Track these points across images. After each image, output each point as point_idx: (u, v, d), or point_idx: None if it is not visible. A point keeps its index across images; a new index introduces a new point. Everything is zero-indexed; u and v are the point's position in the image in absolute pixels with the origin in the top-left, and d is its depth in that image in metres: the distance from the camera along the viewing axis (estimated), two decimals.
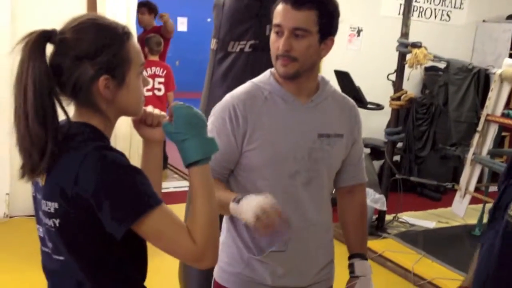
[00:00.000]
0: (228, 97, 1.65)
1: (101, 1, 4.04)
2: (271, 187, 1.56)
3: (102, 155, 1.17)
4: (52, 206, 1.20)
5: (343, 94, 1.78)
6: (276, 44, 1.56)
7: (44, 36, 1.19)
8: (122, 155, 1.22)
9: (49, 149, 1.18)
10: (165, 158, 5.04)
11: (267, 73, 1.68)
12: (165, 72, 5.16)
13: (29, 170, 1.21)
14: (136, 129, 1.39)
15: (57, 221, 1.20)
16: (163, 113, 1.36)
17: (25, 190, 4.43)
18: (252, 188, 1.57)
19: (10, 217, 4.29)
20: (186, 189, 5.21)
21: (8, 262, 3.58)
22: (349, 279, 1.75)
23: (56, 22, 1.25)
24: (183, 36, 11.74)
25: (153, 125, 1.37)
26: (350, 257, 1.78)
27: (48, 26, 1.23)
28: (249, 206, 1.41)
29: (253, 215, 1.39)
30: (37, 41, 1.18)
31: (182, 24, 11.82)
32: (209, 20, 12.12)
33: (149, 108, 1.37)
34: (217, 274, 1.74)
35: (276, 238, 1.51)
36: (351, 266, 1.76)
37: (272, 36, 1.58)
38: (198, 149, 1.22)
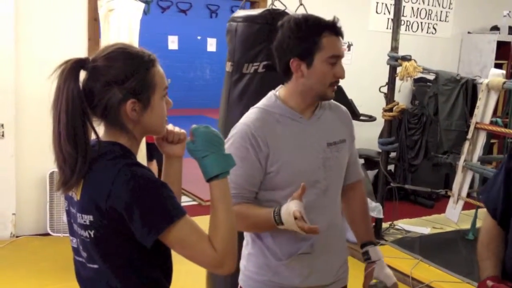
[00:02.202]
0: (243, 126, 1.73)
1: (105, 26, 4.14)
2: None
3: (132, 171, 1.28)
4: (87, 218, 1.30)
5: (336, 103, 1.91)
6: (332, 72, 1.69)
7: (78, 64, 1.31)
8: (149, 170, 1.33)
9: (78, 166, 1.29)
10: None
11: (272, 97, 1.79)
12: (170, 100, 5.24)
13: (62, 185, 1.32)
14: (158, 145, 1.51)
15: (92, 232, 1.30)
16: (183, 130, 1.48)
17: (31, 210, 4.55)
18: (274, 205, 1.67)
19: (17, 237, 4.36)
20: (187, 203, 5.33)
21: (15, 280, 3.64)
22: (366, 265, 1.88)
23: (59, 46, 1.36)
24: (174, 54, 11.86)
25: (174, 142, 1.49)
26: (362, 246, 1.90)
27: (52, 57, 1.36)
28: (288, 218, 1.56)
29: (295, 227, 1.54)
30: (72, 68, 1.30)
31: (172, 43, 11.93)
32: (199, 38, 12.27)
33: (170, 127, 1.48)
34: (244, 283, 1.84)
35: (301, 241, 1.67)
36: (365, 254, 1.88)
37: (326, 67, 1.68)
38: (217, 164, 1.34)
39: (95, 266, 1.35)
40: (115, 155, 1.33)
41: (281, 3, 2.67)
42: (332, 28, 1.68)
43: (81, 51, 4.15)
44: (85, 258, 1.37)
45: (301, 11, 2.74)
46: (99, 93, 1.31)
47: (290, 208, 1.56)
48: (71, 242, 1.43)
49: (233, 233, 1.32)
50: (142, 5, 4.26)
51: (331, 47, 1.67)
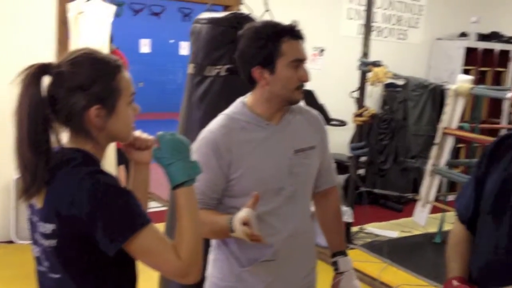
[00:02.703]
0: (207, 132, 1.75)
1: (74, 29, 4.09)
2: (259, 207, 1.67)
3: (96, 178, 1.26)
4: (49, 227, 1.28)
5: (307, 108, 1.91)
6: (297, 75, 1.70)
7: (41, 69, 1.29)
8: (113, 177, 1.32)
9: (40, 173, 1.26)
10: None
11: (239, 104, 1.79)
12: (137, 106, 5.19)
13: (23, 192, 1.30)
14: (125, 152, 1.50)
15: (54, 242, 1.28)
16: (151, 137, 1.46)
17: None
18: (237, 207, 1.66)
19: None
20: (157, 209, 5.28)
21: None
22: (334, 275, 1.89)
23: (26, 50, 1.34)
24: (146, 57, 11.77)
25: (142, 148, 1.48)
26: (333, 255, 1.91)
27: (20, 60, 1.33)
28: (237, 225, 1.56)
29: (241, 234, 1.54)
30: (34, 73, 1.28)
31: (145, 46, 11.83)
32: (172, 41, 12.21)
33: (138, 133, 1.47)
34: None
35: (265, 248, 1.66)
36: (335, 264, 1.89)
37: (290, 71, 1.69)
38: (183, 172, 1.33)
39: (58, 275, 1.32)
40: (78, 162, 1.31)
41: (248, 7, 2.67)
42: (291, 33, 1.69)
43: (49, 55, 4.09)
44: (48, 267, 1.34)
45: (268, 17, 2.76)
46: (63, 99, 1.29)
47: (240, 215, 1.56)
48: (33, 252, 1.40)
49: (198, 242, 1.31)
50: (113, 8, 4.22)
51: (292, 52, 1.68)
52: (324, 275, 1.96)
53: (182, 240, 1.29)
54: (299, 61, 1.69)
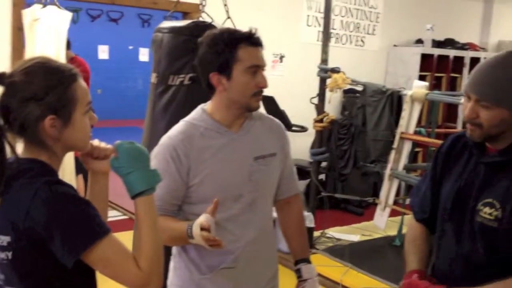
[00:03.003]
0: (166, 139, 1.75)
1: (30, 36, 4.01)
2: (218, 213, 1.67)
3: (52, 189, 1.24)
4: (4, 239, 1.25)
5: (269, 116, 1.93)
6: (254, 81, 1.71)
7: None
8: (70, 187, 1.29)
9: None
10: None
11: (199, 111, 1.80)
12: (94, 116, 5.10)
13: None
14: (83, 162, 1.47)
15: (10, 254, 1.25)
16: (109, 146, 1.44)
17: None
18: (197, 213, 1.66)
19: None
20: (117, 218, 5.21)
21: None
22: (297, 282, 1.89)
23: None
24: (105, 64, 11.60)
25: (100, 158, 1.45)
26: (296, 263, 1.92)
27: None
28: (196, 231, 1.56)
29: (200, 240, 1.54)
30: None
31: (103, 52, 11.67)
32: (131, 47, 12.08)
33: (96, 142, 1.45)
34: None
35: (224, 255, 1.66)
36: (298, 271, 1.90)
37: (247, 77, 1.70)
38: (141, 181, 1.32)
39: None
40: (34, 173, 1.28)
41: (208, 15, 2.67)
42: (249, 39, 1.71)
43: (4, 62, 4.00)
44: (3, 280, 1.31)
45: (229, 24, 2.77)
46: (16, 109, 1.27)
47: (198, 220, 1.57)
48: None
49: (158, 251, 1.30)
50: (69, 15, 4.15)
51: (249, 58, 1.70)
52: (286, 281, 1.97)
53: (142, 250, 1.28)
54: (256, 67, 1.71)
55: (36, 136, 1.30)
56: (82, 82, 1.36)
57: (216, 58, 1.69)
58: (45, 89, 1.27)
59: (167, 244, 1.73)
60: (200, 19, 2.62)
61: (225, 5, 2.83)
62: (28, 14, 4.01)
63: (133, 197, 1.32)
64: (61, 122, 1.30)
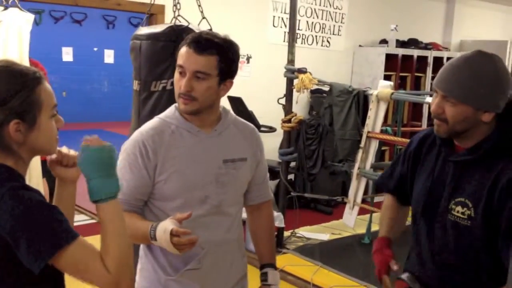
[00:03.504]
0: (137, 133, 1.74)
1: None
2: (183, 212, 1.67)
3: (18, 194, 1.22)
4: None
5: (244, 121, 1.92)
6: (179, 83, 1.69)
7: None
8: (37, 192, 1.27)
9: None
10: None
11: (172, 108, 1.80)
12: (60, 118, 5.01)
13: None
14: (51, 168, 1.45)
15: None
16: (77, 153, 1.40)
17: None
18: (164, 216, 1.67)
19: None
20: (84, 222, 5.14)
21: None
22: (261, 286, 1.90)
23: None
24: (69, 66, 11.44)
25: (68, 165, 1.44)
26: (262, 267, 1.93)
27: None
28: (162, 235, 1.54)
29: (167, 244, 1.52)
30: None
31: (67, 54, 11.49)
32: (95, 49, 11.92)
33: (65, 149, 1.43)
34: None
35: (190, 257, 1.65)
36: (264, 275, 1.91)
37: (176, 76, 1.71)
38: (98, 190, 1.29)
39: None
40: (0, 178, 1.26)
41: (184, 18, 2.67)
42: (189, 41, 1.71)
43: None
44: None
45: (204, 25, 2.76)
46: None
47: (167, 225, 1.55)
48: None
49: (125, 253, 1.29)
50: (31, 16, 4.06)
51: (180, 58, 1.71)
52: (255, 281, 1.97)
53: (108, 254, 1.26)
54: (180, 67, 1.69)
55: (1, 141, 1.27)
56: (47, 85, 1.34)
57: None
58: (8, 94, 1.25)
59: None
60: (176, 22, 2.61)
61: (199, 5, 2.82)
62: None
63: (94, 202, 1.31)
64: (26, 126, 1.28)
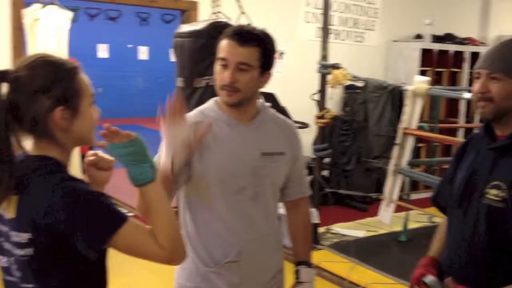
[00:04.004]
0: None
1: (31, 35, 4.00)
2: (221, 203, 1.72)
3: (68, 185, 1.25)
4: (25, 236, 1.26)
5: (282, 116, 1.93)
6: (221, 75, 1.70)
7: None
8: (83, 182, 1.31)
9: (4, 183, 1.25)
10: None
11: (211, 101, 1.83)
12: (98, 108, 5.11)
13: None
14: (86, 169, 1.48)
15: (30, 250, 1.26)
16: (112, 158, 1.45)
17: None
18: (199, 203, 1.71)
19: None
20: None
21: None
22: (294, 283, 1.90)
23: None
24: (104, 62, 11.62)
25: (103, 168, 1.47)
26: (296, 264, 1.93)
27: None
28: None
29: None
30: None
31: (102, 51, 11.69)
32: (130, 46, 12.07)
33: (101, 153, 1.47)
34: None
35: (230, 249, 1.66)
36: (297, 272, 1.90)
37: (217, 68, 1.72)
38: (137, 176, 1.32)
39: (30, 285, 1.30)
40: (49, 170, 1.29)
41: (224, 15, 2.68)
42: (229, 34, 1.73)
43: (4, 61, 3.98)
44: (19, 277, 1.32)
45: (243, 20, 2.78)
46: (25, 105, 1.27)
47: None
48: (0, 262, 1.37)
49: (175, 229, 1.34)
50: (69, 14, 4.15)
51: (219, 50, 1.72)
52: (292, 276, 1.97)
53: (159, 232, 1.30)
54: (223, 60, 1.71)
55: (46, 130, 1.30)
56: (84, 75, 1.37)
57: None
58: (51, 81, 1.29)
59: None
60: (216, 19, 2.64)
61: (238, 0, 2.83)
62: (28, 14, 4.00)
63: (136, 186, 1.35)
64: (70, 113, 1.31)
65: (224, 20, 2.62)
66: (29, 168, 1.29)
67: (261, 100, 1.86)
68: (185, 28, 2.64)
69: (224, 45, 1.71)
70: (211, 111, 1.79)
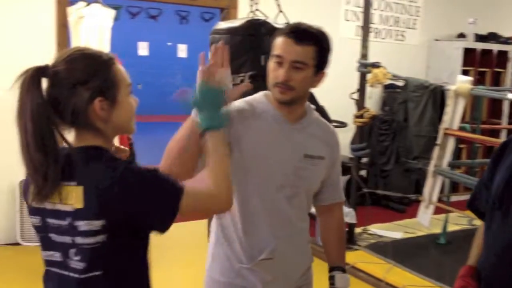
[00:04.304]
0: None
1: (75, 33, 4.09)
2: (260, 197, 1.72)
3: (132, 168, 1.31)
4: (98, 224, 1.28)
5: (325, 121, 1.91)
6: (276, 73, 1.69)
7: (38, 72, 1.30)
8: (138, 164, 1.37)
9: (51, 174, 1.28)
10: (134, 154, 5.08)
11: (261, 94, 1.82)
12: (135, 98, 5.17)
13: (36, 195, 1.31)
14: None
15: (103, 237, 1.29)
16: (127, 148, 1.58)
17: (0, 219, 4.37)
18: (239, 200, 1.71)
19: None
20: None
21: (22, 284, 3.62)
22: None
23: (26, 52, 1.32)
24: (145, 60, 11.79)
25: (121, 158, 1.49)
26: (330, 270, 1.91)
27: (20, 62, 1.36)
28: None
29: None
30: (32, 76, 1.29)
31: (143, 49, 11.87)
32: (169, 44, 12.22)
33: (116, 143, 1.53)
34: (208, 285, 1.85)
35: (264, 247, 1.69)
36: (331, 278, 1.89)
37: (272, 65, 1.71)
38: (208, 120, 1.46)
39: (97, 273, 1.33)
40: (108, 158, 1.34)
41: (261, 12, 2.68)
42: (286, 31, 1.72)
43: (49, 58, 4.07)
44: (83, 268, 1.33)
45: (281, 19, 2.77)
46: (65, 98, 1.31)
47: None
48: (50, 257, 1.39)
49: (228, 175, 1.42)
50: (112, 12, 4.22)
51: (274, 47, 1.71)
52: (321, 273, 1.96)
53: (218, 173, 1.39)
54: (278, 57, 1.69)
55: (87, 121, 1.33)
56: (120, 66, 1.40)
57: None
58: (88, 73, 1.32)
59: (172, 148, 1.67)
60: (253, 16, 2.64)
61: None
62: (73, 12, 4.10)
63: (202, 132, 1.47)
64: (109, 103, 1.34)
65: (262, 18, 2.61)
66: (84, 158, 1.32)
67: (307, 102, 1.84)
68: (222, 25, 2.64)
69: (280, 43, 1.69)
70: (259, 103, 1.78)
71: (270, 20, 2.62)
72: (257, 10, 2.70)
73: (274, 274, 1.78)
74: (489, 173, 1.78)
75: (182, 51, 12.27)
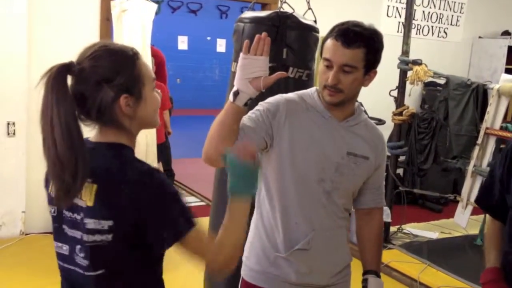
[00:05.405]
0: (279, 96, 1.79)
1: (118, 26, 4.16)
2: (299, 188, 1.73)
3: (157, 177, 1.29)
4: (106, 224, 1.29)
5: (374, 124, 1.90)
6: (325, 76, 1.69)
7: (63, 69, 1.29)
8: (163, 174, 1.35)
9: (80, 171, 1.26)
10: (172, 175, 5.16)
11: (313, 89, 1.83)
12: (159, 91, 5.21)
13: (64, 193, 1.28)
14: None
15: (109, 237, 1.29)
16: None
17: (40, 208, 4.51)
18: (279, 189, 1.73)
19: (26, 234, 4.40)
20: (194, 204, 5.36)
21: (24, 277, 3.69)
22: None
23: (71, 46, 1.32)
24: (184, 54, 11.91)
25: None
26: (364, 273, 1.90)
27: (63, 56, 1.36)
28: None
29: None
30: (57, 74, 1.27)
31: (182, 43, 11.97)
32: (209, 38, 12.31)
33: None
34: (244, 273, 1.87)
35: (300, 237, 1.71)
36: (365, 281, 1.87)
37: (322, 68, 1.71)
38: (237, 185, 1.38)
39: (99, 272, 1.33)
40: (130, 159, 1.33)
41: (289, 6, 2.66)
42: (335, 33, 1.70)
43: None
44: (86, 265, 1.34)
45: (309, 15, 2.75)
46: (91, 95, 1.30)
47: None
48: (59, 249, 1.41)
49: (239, 249, 1.38)
50: (154, 6, 4.28)
51: (325, 50, 1.71)
52: (359, 272, 1.95)
53: (228, 240, 1.34)
54: (327, 61, 1.69)
55: (113, 118, 1.33)
56: (144, 60, 1.40)
57: None
58: (114, 70, 1.31)
59: (215, 129, 1.68)
60: (281, 9, 2.61)
61: None
62: (117, 5, 4.17)
63: (230, 193, 1.39)
64: (134, 99, 1.34)
65: (289, 12, 2.57)
66: (106, 156, 1.33)
67: (358, 102, 1.83)
68: (248, 14, 2.61)
69: (328, 45, 1.69)
70: (309, 98, 1.79)
71: (297, 14, 2.59)
72: (285, 2, 2.66)
73: (309, 266, 1.79)
74: (503, 170, 1.72)
75: (221, 45, 12.34)
